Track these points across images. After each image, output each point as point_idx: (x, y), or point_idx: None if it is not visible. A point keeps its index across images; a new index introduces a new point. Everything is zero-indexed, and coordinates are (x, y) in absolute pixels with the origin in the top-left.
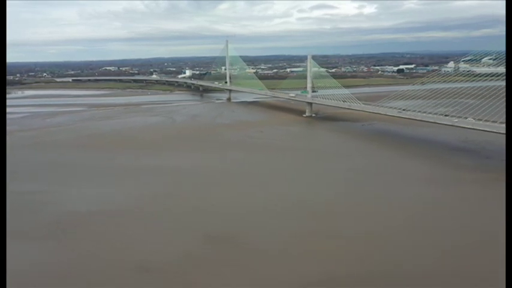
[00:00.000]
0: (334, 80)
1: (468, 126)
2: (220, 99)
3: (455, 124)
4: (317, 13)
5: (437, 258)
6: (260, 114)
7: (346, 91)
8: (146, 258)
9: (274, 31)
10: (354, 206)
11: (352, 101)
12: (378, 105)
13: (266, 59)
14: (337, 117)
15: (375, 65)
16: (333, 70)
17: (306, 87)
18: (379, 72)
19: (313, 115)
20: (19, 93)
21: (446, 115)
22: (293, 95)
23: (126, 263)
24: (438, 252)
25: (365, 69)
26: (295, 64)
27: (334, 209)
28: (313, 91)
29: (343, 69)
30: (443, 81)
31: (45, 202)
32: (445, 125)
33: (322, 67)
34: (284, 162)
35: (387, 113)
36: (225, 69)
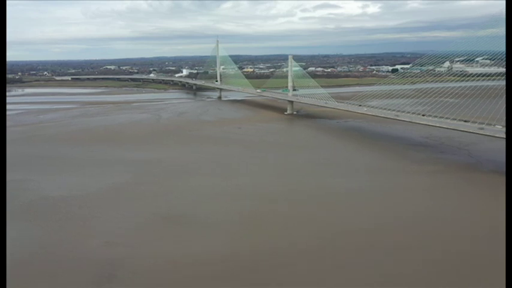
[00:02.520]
0: (313, 80)
1: (423, 123)
2: (211, 98)
3: (413, 120)
4: (320, 12)
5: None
6: (244, 112)
7: (323, 90)
8: (103, 234)
9: (277, 30)
10: (300, 192)
11: (328, 100)
12: (350, 104)
13: (267, 58)
14: (316, 115)
15: (372, 65)
16: (329, 70)
17: (287, 86)
18: (374, 72)
19: (295, 113)
20: (19, 91)
21: (408, 112)
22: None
23: (85, 238)
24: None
25: (361, 68)
26: (294, 64)
27: (282, 194)
28: (294, 89)
29: (339, 68)
30: (434, 81)
31: (25, 189)
32: (405, 121)
33: (320, 67)
34: (251, 155)
35: (355, 111)
36: (221, 69)
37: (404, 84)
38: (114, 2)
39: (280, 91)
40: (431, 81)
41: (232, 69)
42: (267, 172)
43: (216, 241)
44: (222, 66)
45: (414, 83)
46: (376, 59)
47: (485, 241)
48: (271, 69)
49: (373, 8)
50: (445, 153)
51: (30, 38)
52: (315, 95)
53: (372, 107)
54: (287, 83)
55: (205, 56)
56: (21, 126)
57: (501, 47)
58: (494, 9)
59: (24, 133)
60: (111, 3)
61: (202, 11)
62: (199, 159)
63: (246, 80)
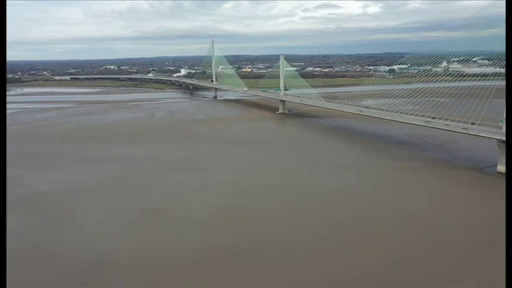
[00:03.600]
0: (303, 80)
1: (403, 121)
2: (206, 97)
3: (395, 119)
4: (321, 12)
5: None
6: (237, 111)
7: (313, 90)
8: (89, 226)
9: (278, 30)
10: (281, 188)
11: (317, 99)
12: (337, 103)
13: (266, 58)
14: (307, 114)
15: (370, 65)
16: (327, 70)
17: (279, 86)
18: (371, 72)
19: (286, 112)
20: (18, 90)
21: (391, 111)
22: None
23: (71, 229)
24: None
25: (358, 68)
26: (293, 64)
27: (260, 189)
28: (285, 89)
29: (337, 68)
30: (429, 81)
31: (17, 184)
32: (388, 119)
33: (318, 67)
34: (240, 153)
35: (336, 109)
36: (220, 69)
37: (399, 84)
38: (115, 2)
39: (272, 91)
40: (426, 81)
41: (230, 69)
42: (255, 169)
43: (205, 234)
44: (221, 66)
45: (410, 83)
46: (375, 59)
47: (467, 232)
48: (269, 69)
49: (374, 8)
50: (426, 151)
51: (30, 38)
52: (305, 95)
53: (354, 105)
54: (277, 82)
55: (205, 56)
56: (17, 124)
57: (494, 47)
58: (494, 10)
59: (20, 131)
60: (112, 3)
61: (203, 11)
62: (187, 157)
63: (240, 80)
